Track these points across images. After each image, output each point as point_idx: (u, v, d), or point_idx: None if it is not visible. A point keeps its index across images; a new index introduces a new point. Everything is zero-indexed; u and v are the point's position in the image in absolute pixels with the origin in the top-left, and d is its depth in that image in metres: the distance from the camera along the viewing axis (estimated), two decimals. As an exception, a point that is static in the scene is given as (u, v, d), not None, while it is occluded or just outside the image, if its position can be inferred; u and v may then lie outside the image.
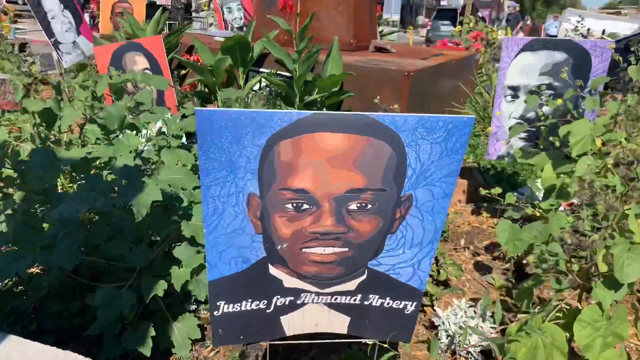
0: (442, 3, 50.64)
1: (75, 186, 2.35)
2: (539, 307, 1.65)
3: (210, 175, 1.04)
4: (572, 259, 1.67)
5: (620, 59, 2.26)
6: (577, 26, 5.84)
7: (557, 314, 1.69)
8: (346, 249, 1.20)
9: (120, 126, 2.08)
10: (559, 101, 2.53)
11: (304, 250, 1.20)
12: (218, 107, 3.87)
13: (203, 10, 20.84)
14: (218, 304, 1.27)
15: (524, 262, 2.70)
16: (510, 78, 2.78)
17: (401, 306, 1.33)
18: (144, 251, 1.76)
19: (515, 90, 2.80)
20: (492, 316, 2.08)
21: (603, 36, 13.93)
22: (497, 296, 2.49)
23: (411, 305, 1.33)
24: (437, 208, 1.14)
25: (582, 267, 1.63)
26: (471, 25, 7.55)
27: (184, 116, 2.45)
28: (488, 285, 2.60)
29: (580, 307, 1.69)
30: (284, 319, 1.35)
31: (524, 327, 1.66)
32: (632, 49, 2.19)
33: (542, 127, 2.67)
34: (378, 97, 2.46)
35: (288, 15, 3.40)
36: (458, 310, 2.13)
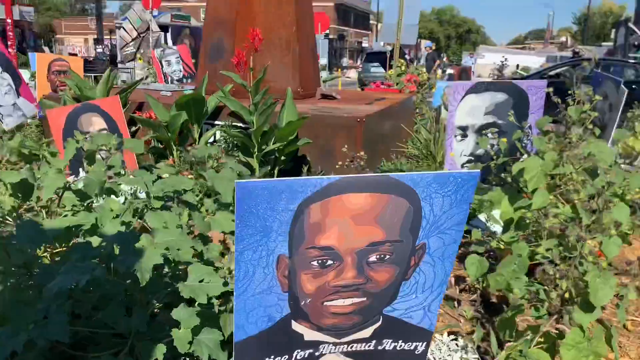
0: (364, 45, 52.93)
1: (49, 255, 2.30)
2: (529, 334, 1.78)
3: (244, 240, 1.10)
4: (547, 287, 1.83)
5: (559, 100, 2.51)
6: (501, 65, 6.39)
7: (539, 340, 1.83)
8: (364, 299, 1.29)
9: (101, 192, 2.09)
10: (504, 140, 2.77)
11: (325, 303, 1.27)
12: (175, 162, 3.89)
13: (130, 61, 20.66)
14: (242, 363, 1.31)
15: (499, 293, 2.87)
16: (459, 119, 3.01)
17: (412, 347, 1.42)
18: (143, 315, 1.75)
19: (464, 130, 3.03)
20: (472, 347, 2.20)
21: (518, 70, 15.02)
22: (469, 327, 2.63)
23: (421, 346, 1.42)
24: (447, 253, 1.25)
25: (558, 294, 1.79)
26: (403, 68, 7.99)
27: (158, 177, 2.47)
28: (459, 316, 2.73)
29: (559, 332, 1.84)
30: (303, 371, 1.40)
31: (512, 354, 1.79)
32: (569, 92, 2.45)
33: (492, 164, 2.88)
34: (346, 146, 2.59)
35: (242, 69, 3.51)
36: (441, 344, 2.25)
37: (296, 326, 1.30)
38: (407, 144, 5.56)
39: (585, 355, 1.65)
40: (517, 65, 15.38)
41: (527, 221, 2.40)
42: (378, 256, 1.21)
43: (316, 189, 1.08)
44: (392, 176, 1.09)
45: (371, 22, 67.87)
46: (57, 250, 2.26)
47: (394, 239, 1.19)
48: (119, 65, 20.83)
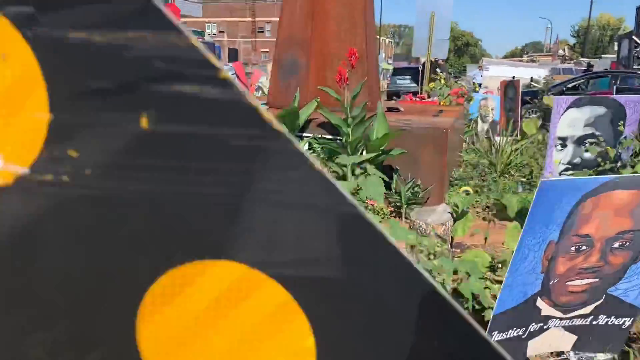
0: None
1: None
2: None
3: (531, 229, 1.36)
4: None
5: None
6: (533, 77, 6.77)
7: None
8: (597, 280, 1.54)
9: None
10: (610, 149, 3.05)
11: (567, 283, 1.53)
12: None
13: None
14: (492, 334, 1.56)
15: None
16: (560, 130, 3.28)
17: (620, 322, 1.67)
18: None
19: (563, 140, 3.31)
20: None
21: (532, 83, 15.35)
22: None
23: (628, 321, 1.68)
24: (674, 240, 1.51)
25: None
26: (442, 82, 8.29)
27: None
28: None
29: None
30: (530, 343, 1.66)
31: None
32: None
33: (592, 171, 3.16)
34: (461, 152, 2.83)
35: (343, 85, 3.79)
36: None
37: (539, 302, 1.56)
38: (463, 153, 5.84)
39: None
40: (532, 78, 15.72)
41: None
42: (620, 243, 1.47)
43: (594, 187, 1.34)
44: (653, 175, 1.36)
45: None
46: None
47: (637, 228, 1.45)
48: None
